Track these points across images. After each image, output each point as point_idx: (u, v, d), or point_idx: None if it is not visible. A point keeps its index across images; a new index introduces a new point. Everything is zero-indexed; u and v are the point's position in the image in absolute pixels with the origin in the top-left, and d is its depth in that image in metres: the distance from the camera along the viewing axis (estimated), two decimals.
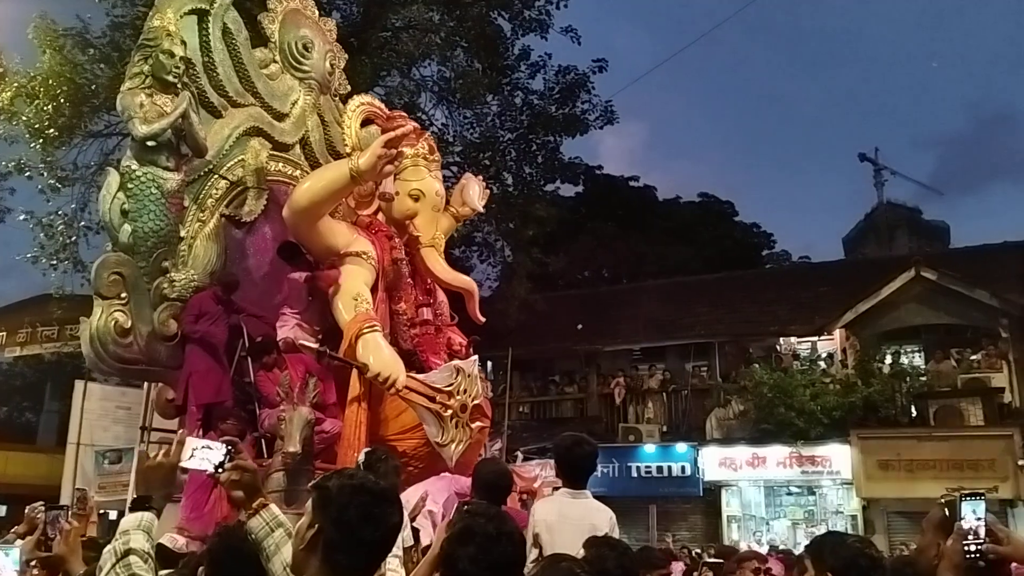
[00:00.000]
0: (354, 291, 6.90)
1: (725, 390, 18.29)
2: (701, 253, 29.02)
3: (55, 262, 16.51)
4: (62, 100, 15.21)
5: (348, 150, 7.54)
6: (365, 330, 6.56)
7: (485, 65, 19.00)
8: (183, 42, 7.14)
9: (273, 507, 2.52)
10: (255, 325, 7.31)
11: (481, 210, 8.54)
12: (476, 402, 6.95)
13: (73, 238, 16.67)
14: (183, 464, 2.54)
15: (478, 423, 6.96)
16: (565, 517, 4.19)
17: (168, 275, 7.02)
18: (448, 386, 6.72)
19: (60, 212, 16.63)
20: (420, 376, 6.77)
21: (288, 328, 7.26)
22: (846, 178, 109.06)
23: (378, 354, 6.49)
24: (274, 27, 8.19)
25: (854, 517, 16.44)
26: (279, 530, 2.45)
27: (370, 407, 6.57)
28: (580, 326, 20.77)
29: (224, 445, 2.54)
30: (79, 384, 16.14)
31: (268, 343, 7.06)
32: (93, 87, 15.61)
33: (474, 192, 8.34)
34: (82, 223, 16.85)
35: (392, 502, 2.17)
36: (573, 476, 4.46)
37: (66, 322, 17.79)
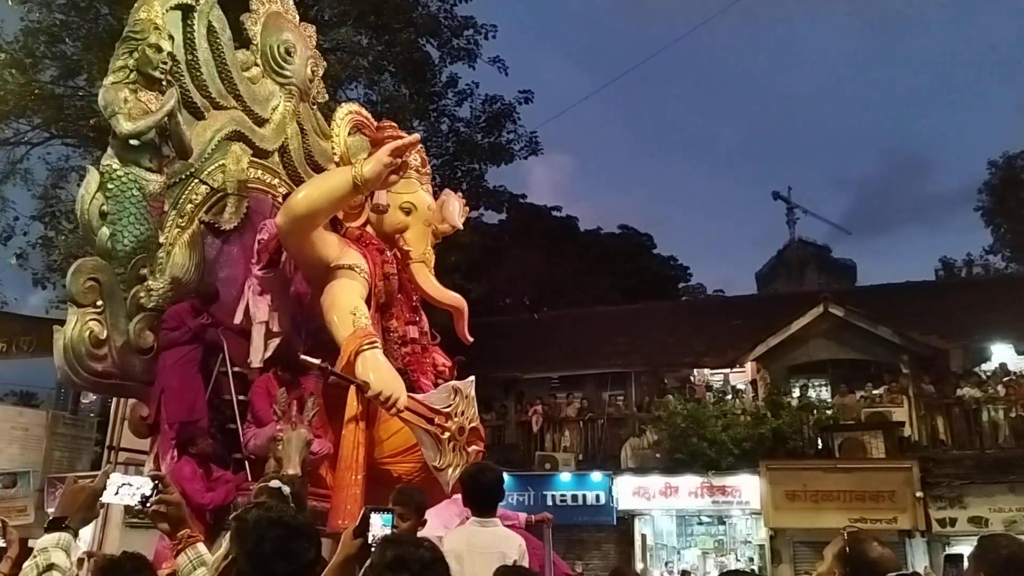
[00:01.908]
0: (351, 305, 6.56)
1: (640, 419, 18.49)
2: (620, 284, 29.53)
3: None
4: None
5: (337, 159, 7.27)
6: (365, 346, 6.24)
7: (412, 91, 19.06)
8: (171, 37, 6.80)
9: (199, 545, 2.59)
10: (233, 340, 6.95)
11: (460, 227, 8.23)
12: (473, 425, 6.73)
13: None
14: (104, 500, 2.57)
15: (474, 447, 6.72)
16: (474, 546, 4.17)
17: (146, 283, 6.61)
18: (446, 407, 6.47)
19: None
20: (419, 396, 6.51)
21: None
22: (761, 215, 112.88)
23: (379, 372, 6.19)
24: (256, 29, 7.86)
25: (762, 547, 16.82)
26: (200, 569, 2.49)
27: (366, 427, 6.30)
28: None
29: (150, 480, 2.63)
30: None
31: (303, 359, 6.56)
32: (1, 93, 15.04)
33: (454, 209, 8.07)
34: None
35: (309, 537, 2.16)
36: (480, 504, 4.44)
37: None
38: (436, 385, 7.12)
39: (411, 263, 7.46)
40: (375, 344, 6.36)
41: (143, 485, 2.58)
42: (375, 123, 7.77)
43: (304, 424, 5.93)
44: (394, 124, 8.01)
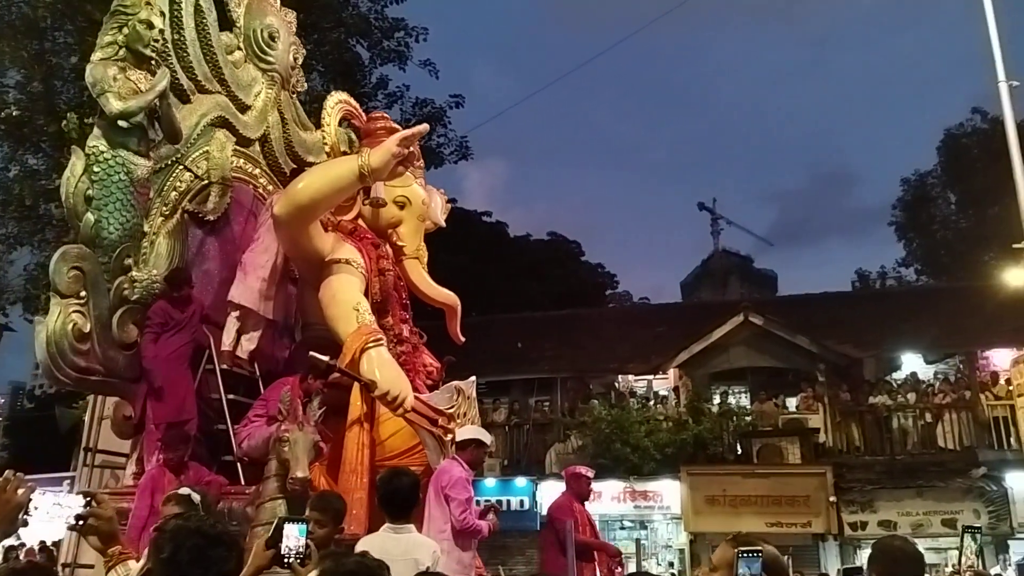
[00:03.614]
0: (353, 300, 6.29)
1: (566, 425, 18.61)
2: (548, 290, 29.65)
3: None
4: None
5: (328, 149, 7.04)
6: (370, 344, 5.97)
7: (341, 91, 18.87)
8: (162, 13, 6.47)
9: (130, 563, 2.59)
10: (219, 336, 6.68)
11: (443, 224, 8.03)
12: None
13: None
14: (28, 516, 2.51)
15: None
16: (387, 553, 4.12)
17: (130, 274, 6.26)
18: (450, 408, 6.28)
19: None
20: (423, 396, 6.29)
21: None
22: (688, 225, 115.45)
23: (385, 370, 5.93)
24: (240, 11, 7.55)
25: (682, 551, 17.09)
26: None
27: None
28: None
29: (83, 496, 2.77)
30: None
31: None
32: None
33: (436, 205, 7.88)
34: None
35: (228, 547, 2.14)
36: (394, 509, 4.41)
37: None
38: (428, 386, 6.94)
39: (404, 259, 7.24)
40: (380, 341, 6.11)
41: (76, 506, 2.61)
42: (364, 114, 7.60)
43: (310, 425, 5.63)
44: (385, 115, 7.82)
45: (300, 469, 5.39)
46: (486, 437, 6.19)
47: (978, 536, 4.43)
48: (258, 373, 6.95)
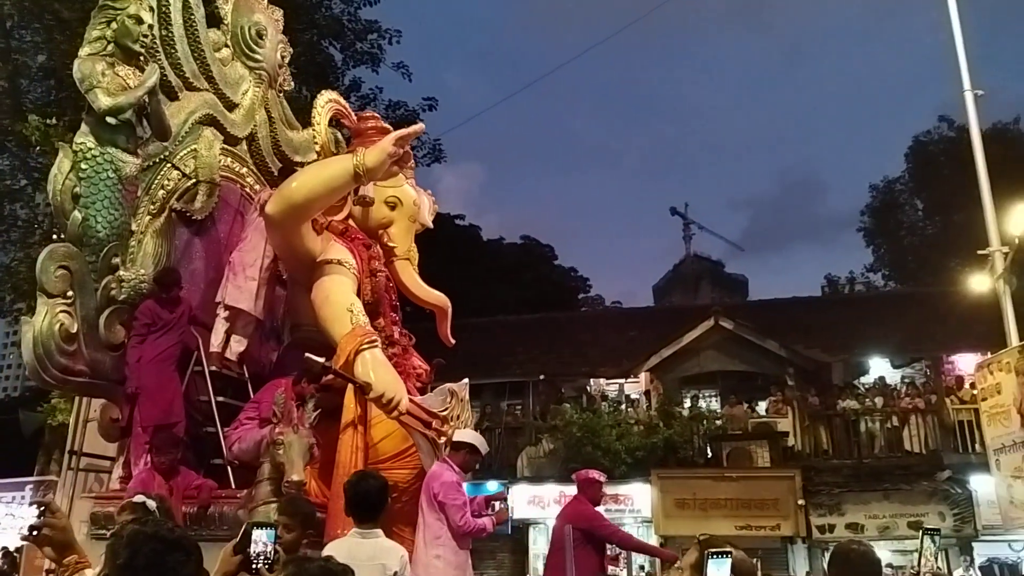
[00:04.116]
0: (347, 302, 6.21)
1: (537, 428, 18.61)
2: (521, 294, 29.70)
3: None
4: None
5: (318, 148, 6.97)
6: (365, 346, 5.89)
7: (313, 93, 18.75)
8: (151, 8, 6.37)
9: (87, 572, 2.55)
10: (207, 337, 6.58)
11: (431, 226, 7.93)
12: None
13: None
14: None
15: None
16: (354, 558, 4.08)
17: (117, 274, 6.13)
18: (443, 411, 6.21)
19: None
20: (417, 399, 6.21)
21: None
22: (661, 230, 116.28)
23: (380, 373, 5.84)
24: (227, 8, 7.46)
25: None
26: None
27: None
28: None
29: (36, 507, 2.65)
30: None
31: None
32: None
33: (424, 206, 7.78)
34: None
35: (187, 551, 2.12)
36: (362, 513, 4.34)
37: None
38: (418, 389, 6.85)
39: (395, 260, 7.14)
40: (375, 343, 6.03)
41: (30, 516, 2.62)
42: (353, 113, 7.55)
43: (304, 427, 5.55)
44: (375, 115, 7.79)
45: (295, 472, 5.33)
46: (483, 446, 6.11)
47: (937, 538, 4.53)
48: (247, 375, 6.87)
